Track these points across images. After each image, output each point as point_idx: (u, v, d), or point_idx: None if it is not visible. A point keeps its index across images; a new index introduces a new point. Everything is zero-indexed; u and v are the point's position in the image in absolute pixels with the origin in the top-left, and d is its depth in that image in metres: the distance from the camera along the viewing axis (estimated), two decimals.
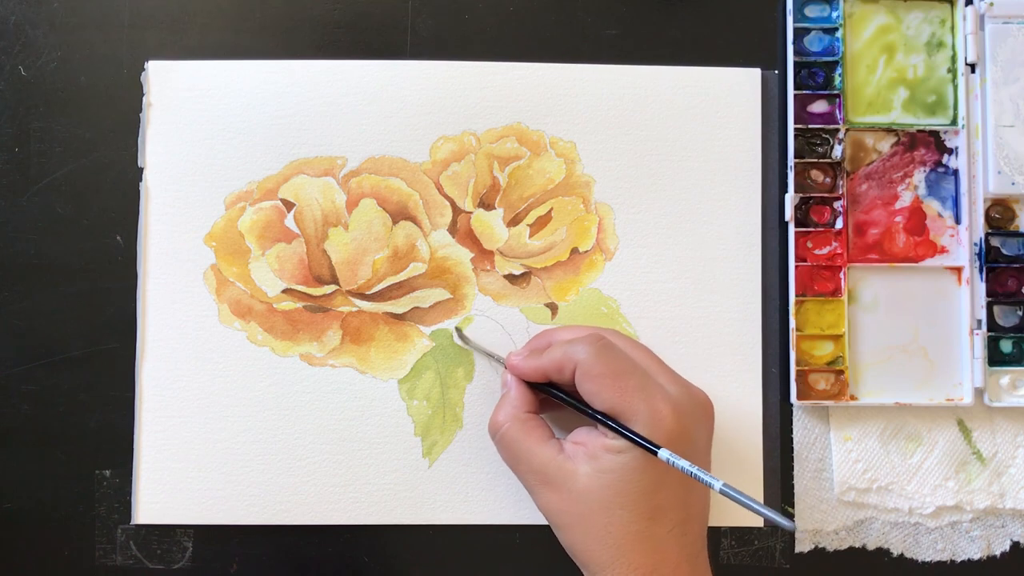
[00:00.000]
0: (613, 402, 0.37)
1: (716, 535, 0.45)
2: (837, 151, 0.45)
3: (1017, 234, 0.45)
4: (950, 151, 0.46)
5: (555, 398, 0.40)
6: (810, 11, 0.46)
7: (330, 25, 0.46)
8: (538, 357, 0.40)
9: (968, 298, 0.45)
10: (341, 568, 0.44)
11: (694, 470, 0.35)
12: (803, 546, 0.45)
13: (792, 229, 0.45)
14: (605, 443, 0.37)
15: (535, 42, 0.46)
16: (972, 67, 0.46)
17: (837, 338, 0.45)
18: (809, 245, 0.45)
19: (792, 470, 0.45)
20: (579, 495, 0.37)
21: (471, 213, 0.45)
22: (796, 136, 0.45)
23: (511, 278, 0.45)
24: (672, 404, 0.37)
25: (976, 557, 0.45)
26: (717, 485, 0.34)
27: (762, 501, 0.44)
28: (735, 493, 0.34)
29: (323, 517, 0.44)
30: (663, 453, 0.35)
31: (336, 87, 0.45)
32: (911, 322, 0.45)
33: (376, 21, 0.46)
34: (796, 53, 0.46)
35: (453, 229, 0.45)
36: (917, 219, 0.46)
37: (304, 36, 0.46)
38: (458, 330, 0.45)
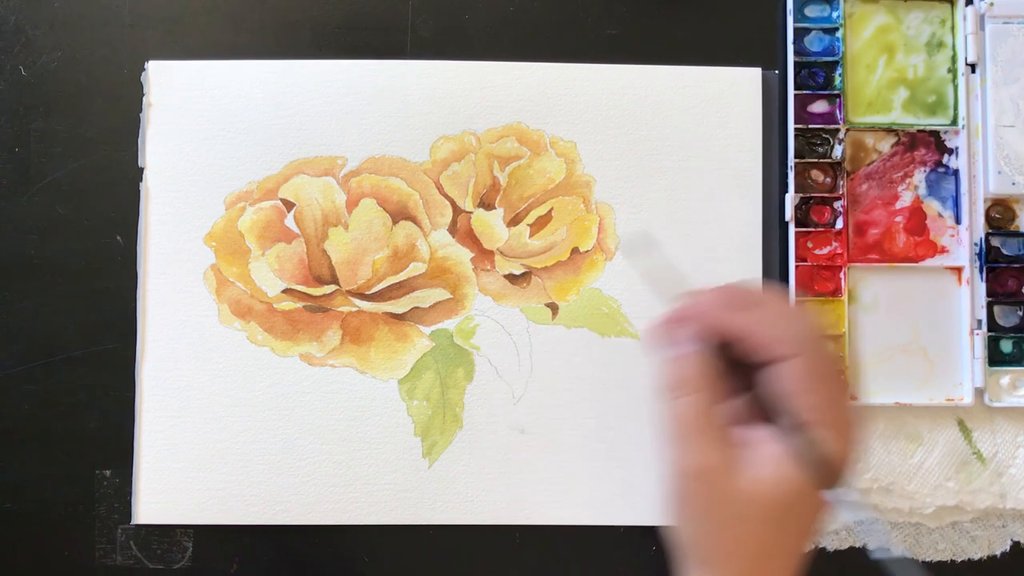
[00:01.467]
0: (814, 412, 0.31)
1: None
2: (837, 151, 0.45)
3: (1017, 234, 0.45)
4: (950, 151, 0.46)
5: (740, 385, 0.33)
6: (810, 11, 0.46)
7: (330, 25, 0.46)
8: (748, 310, 0.33)
9: (968, 298, 0.45)
10: (341, 568, 0.44)
11: (880, 540, 0.32)
12: None
13: (792, 229, 0.45)
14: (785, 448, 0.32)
15: (535, 42, 0.46)
16: (972, 67, 0.46)
17: (837, 338, 0.45)
18: (809, 245, 0.45)
19: None
20: (741, 495, 0.32)
21: (471, 213, 0.45)
22: (796, 136, 0.45)
23: (511, 278, 0.45)
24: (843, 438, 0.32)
25: (977, 557, 0.45)
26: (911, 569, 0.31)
27: None
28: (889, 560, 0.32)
29: (323, 517, 0.44)
30: (834, 498, 0.31)
31: (336, 87, 0.45)
32: (911, 322, 0.45)
33: (376, 21, 0.46)
34: (796, 53, 0.46)
35: (453, 229, 0.45)
36: (917, 219, 0.46)
37: (304, 36, 0.46)
38: (637, 239, 0.39)
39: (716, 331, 0.33)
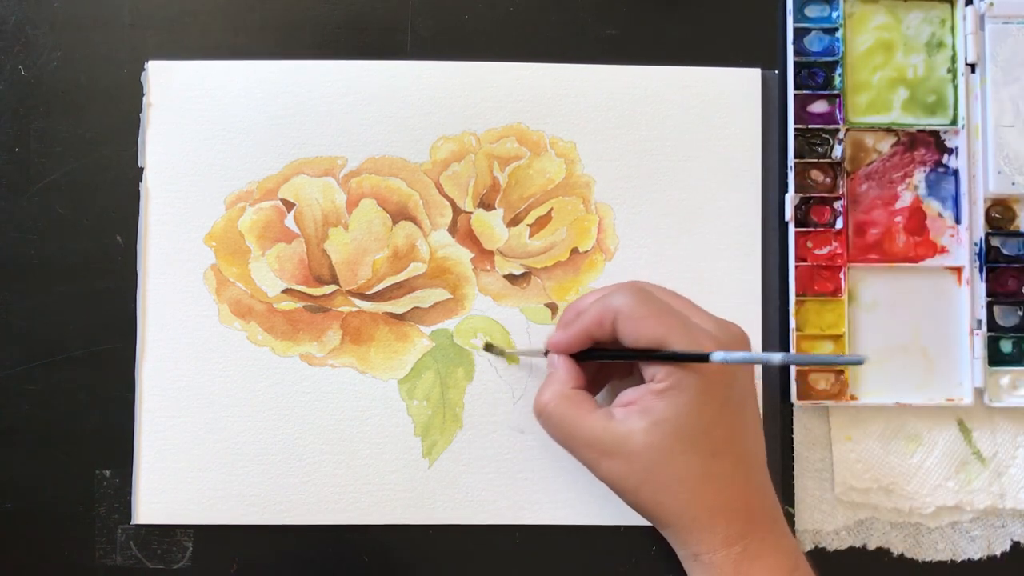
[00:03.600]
0: (656, 335, 0.37)
1: None
2: (837, 151, 0.45)
3: (1017, 234, 0.45)
4: (950, 151, 0.46)
5: (601, 358, 0.40)
6: (810, 11, 0.46)
7: (330, 25, 0.46)
8: (576, 322, 0.39)
9: (968, 298, 0.45)
10: (341, 568, 0.44)
11: (751, 355, 0.35)
12: (803, 546, 0.45)
13: (792, 229, 0.45)
14: (653, 388, 0.37)
15: (535, 42, 0.46)
16: (972, 67, 0.46)
17: (837, 338, 0.45)
18: (809, 245, 0.45)
19: (792, 470, 0.45)
20: (639, 454, 0.37)
21: (471, 213, 0.45)
22: (796, 136, 0.45)
23: (511, 278, 0.45)
24: (711, 337, 0.37)
25: (976, 557, 0.45)
26: (777, 358, 0.34)
27: None
28: (801, 357, 0.37)
29: (323, 517, 0.44)
30: (716, 355, 0.35)
31: (336, 87, 0.45)
32: (911, 322, 0.45)
33: (376, 21, 0.46)
34: (796, 53, 0.46)
35: (453, 229, 0.45)
36: (917, 219, 0.46)
37: (304, 36, 0.46)
38: (488, 347, 0.44)
39: (571, 342, 0.40)
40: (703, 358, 0.36)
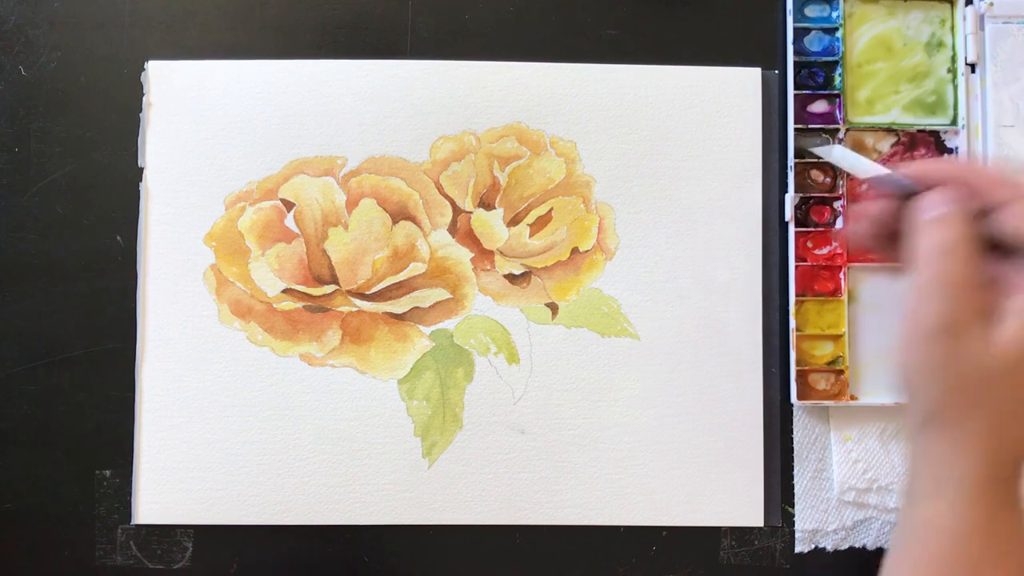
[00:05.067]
0: None
1: (716, 535, 0.45)
2: None
3: None
4: (950, 151, 0.46)
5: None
6: (810, 11, 0.46)
7: (330, 25, 0.46)
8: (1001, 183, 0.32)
9: None
10: (341, 568, 0.44)
11: None
12: (803, 546, 0.45)
13: (792, 229, 0.45)
14: None
15: (535, 42, 0.46)
16: (972, 67, 0.46)
17: (837, 338, 0.45)
18: (809, 245, 0.45)
19: (792, 470, 0.45)
20: (986, 353, 0.31)
21: (471, 213, 0.45)
22: (796, 136, 0.45)
23: (511, 278, 0.45)
24: None
25: None
26: None
27: (762, 500, 0.44)
28: None
29: (323, 517, 0.44)
30: None
31: (336, 87, 0.45)
32: None
33: (376, 21, 0.46)
34: (796, 53, 0.46)
35: (453, 229, 0.45)
36: None
37: (304, 36, 0.46)
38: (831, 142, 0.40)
39: (974, 197, 0.33)
40: None
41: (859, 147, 0.46)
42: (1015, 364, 0.31)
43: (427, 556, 0.44)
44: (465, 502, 0.44)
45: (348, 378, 0.44)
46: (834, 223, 0.45)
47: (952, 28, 0.46)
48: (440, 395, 0.45)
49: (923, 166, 0.34)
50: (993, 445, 0.32)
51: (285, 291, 0.45)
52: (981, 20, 0.45)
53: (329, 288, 0.45)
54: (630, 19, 0.47)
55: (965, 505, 0.32)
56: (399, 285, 0.45)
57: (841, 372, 0.44)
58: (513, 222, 0.45)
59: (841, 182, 0.45)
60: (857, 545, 0.45)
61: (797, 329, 0.45)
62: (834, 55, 0.46)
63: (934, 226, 0.33)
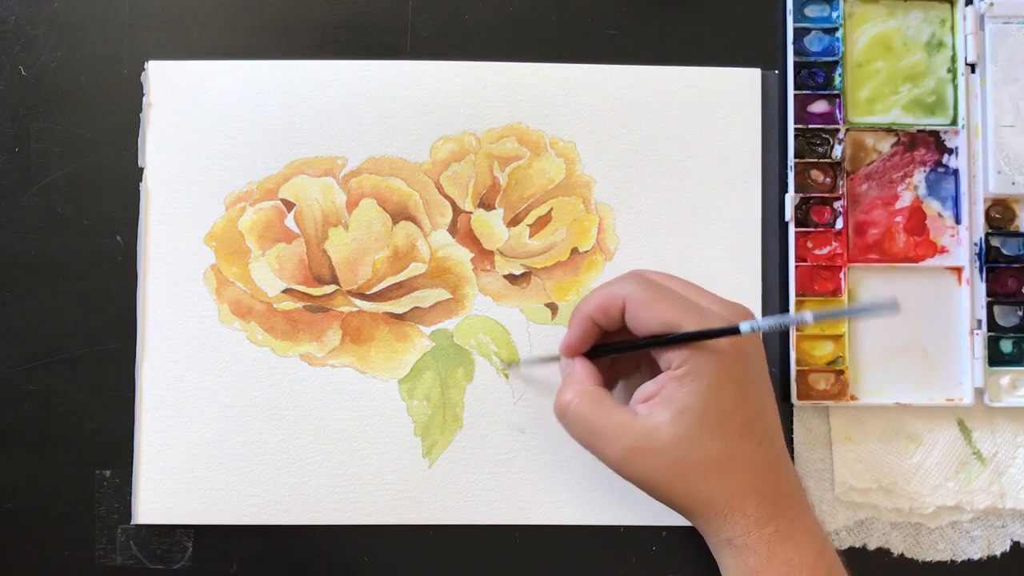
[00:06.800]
0: (667, 318, 0.37)
1: None
2: (837, 151, 0.45)
3: (1017, 234, 0.45)
4: (950, 151, 0.46)
5: (618, 351, 0.40)
6: (810, 11, 0.46)
7: (330, 25, 0.46)
8: (578, 314, 0.39)
9: (968, 298, 0.45)
10: (341, 568, 0.44)
11: (781, 317, 0.35)
12: None
13: (792, 229, 0.45)
14: (672, 375, 0.37)
15: (535, 42, 0.46)
16: (972, 67, 0.46)
17: (837, 338, 0.45)
18: (809, 245, 0.45)
19: None
20: (668, 445, 0.36)
21: (471, 213, 0.45)
22: (796, 136, 0.45)
23: (511, 278, 0.45)
24: (720, 316, 0.37)
25: (976, 557, 0.45)
26: (809, 317, 0.34)
27: None
28: (828, 312, 0.38)
29: (323, 517, 0.44)
30: (744, 325, 0.35)
31: (336, 87, 0.45)
32: (911, 322, 0.45)
33: (376, 21, 0.46)
34: (796, 53, 0.46)
35: (453, 229, 0.45)
36: (917, 219, 0.46)
37: (304, 36, 0.46)
38: (508, 364, 0.44)
39: (580, 338, 0.40)
40: (734, 331, 0.35)
41: (859, 147, 0.46)
42: (686, 436, 0.37)
43: (427, 556, 0.44)
44: (465, 502, 0.44)
45: (348, 378, 0.44)
46: (834, 223, 0.45)
47: (952, 28, 0.46)
48: (440, 395, 0.45)
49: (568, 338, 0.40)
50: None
51: (285, 291, 0.45)
52: (981, 20, 0.45)
53: (329, 288, 0.45)
54: (630, 19, 0.47)
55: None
56: (399, 285, 0.45)
57: (841, 372, 0.44)
58: (513, 222, 0.45)
59: (841, 182, 0.45)
60: (857, 545, 0.45)
61: (797, 329, 0.45)
62: (834, 55, 0.46)
63: (565, 376, 0.41)
